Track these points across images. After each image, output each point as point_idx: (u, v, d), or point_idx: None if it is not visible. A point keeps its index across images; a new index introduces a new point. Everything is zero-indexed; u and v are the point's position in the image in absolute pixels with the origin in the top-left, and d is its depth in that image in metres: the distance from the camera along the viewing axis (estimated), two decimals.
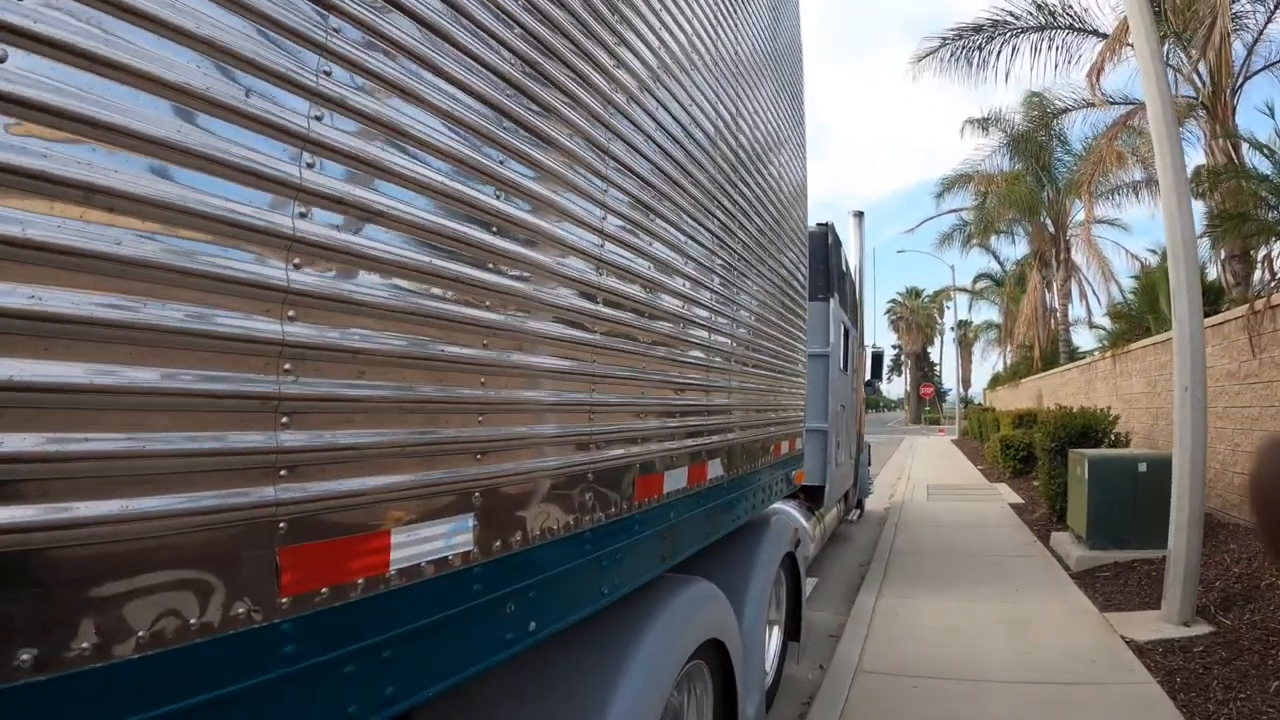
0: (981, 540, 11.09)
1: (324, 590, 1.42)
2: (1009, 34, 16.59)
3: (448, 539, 1.75)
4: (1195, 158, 14.19)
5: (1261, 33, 13.74)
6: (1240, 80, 13.91)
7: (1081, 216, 27.49)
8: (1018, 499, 15.27)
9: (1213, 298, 12.33)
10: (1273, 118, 10.59)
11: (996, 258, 42.35)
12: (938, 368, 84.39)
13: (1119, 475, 9.01)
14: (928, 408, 67.65)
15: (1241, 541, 8.53)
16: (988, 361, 61.55)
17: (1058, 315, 28.79)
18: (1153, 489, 8.60)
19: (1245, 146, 12.65)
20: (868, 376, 14.78)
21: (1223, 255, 13.38)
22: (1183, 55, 14.15)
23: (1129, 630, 6.62)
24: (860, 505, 13.87)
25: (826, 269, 8.77)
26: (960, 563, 9.69)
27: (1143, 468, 8.94)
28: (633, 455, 2.74)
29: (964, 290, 51.02)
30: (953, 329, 54.00)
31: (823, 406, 8.62)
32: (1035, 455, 14.94)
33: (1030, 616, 7.28)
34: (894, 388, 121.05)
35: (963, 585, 8.56)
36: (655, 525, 2.95)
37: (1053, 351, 28.52)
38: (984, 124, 25.80)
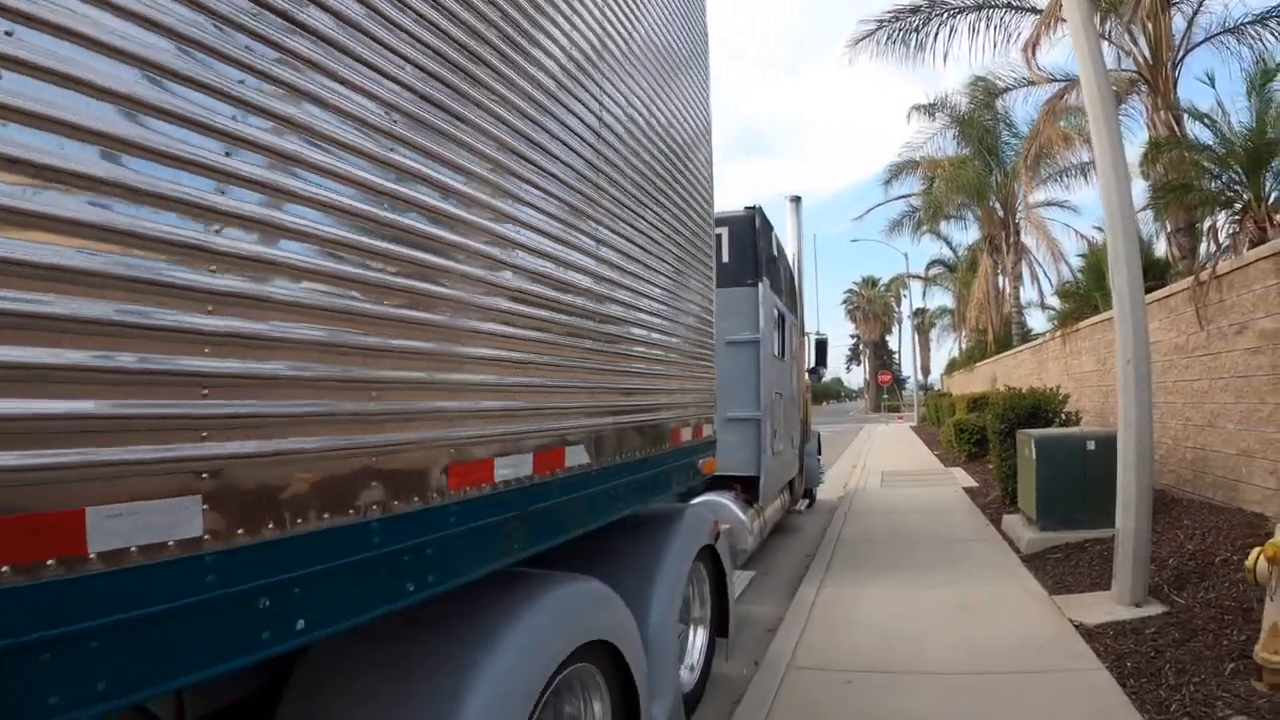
0: (933, 525, 10.84)
1: (5, 569, 1.29)
2: (946, 14, 16.39)
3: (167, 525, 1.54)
4: (1140, 134, 14.05)
5: (1201, 4, 13.64)
6: (1181, 53, 13.80)
7: (1031, 199, 27.57)
8: (972, 483, 15.09)
9: (1160, 272, 12.20)
10: (1213, 87, 10.43)
11: (948, 243, 42.53)
12: (896, 355, 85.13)
13: (1067, 454, 8.79)
14: (886, 395, 67.91)
15: (1196, 517, 8.33)
16: (945, 347, 62.04)
17: (1009, 298, 28.80)
18: (1101, 467, 8.37)
19: (1187, 118, 12.53)
20: (812, 364, 14.55)
21: (1168, 229, 13.26)
22: (1124, 33, 14.02)
23: (1079, 613, 6.35)
24: (810, 495, 13.64)
25: (755, 253, 8.48)
26: (909, 549, 9.42)
27: (1091, 446, 8.71)
28: (440, 439, 2.39)
29: (917, 277, 51.30)
30: (910, 317, 54.11)
31: (754, 394, 8.34)
32: (989, 438, 14.63)
33: (977, 602, 6.99)
34: (854, 377, 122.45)
35: (910, 572, 8.28)
36: (486, 516, 2.61)
37: (1006, 334, 28.50)
38: (930, 109, 25.69)
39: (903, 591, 7.52)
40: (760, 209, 8.77)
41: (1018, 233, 27.98)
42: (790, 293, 10.91)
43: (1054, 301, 24.46)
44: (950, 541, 9.72)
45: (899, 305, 70.46)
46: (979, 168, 26.29)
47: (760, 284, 8.45)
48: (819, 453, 14.64)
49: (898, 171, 28.37)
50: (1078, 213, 29.62)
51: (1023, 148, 22.38)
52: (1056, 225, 29.51)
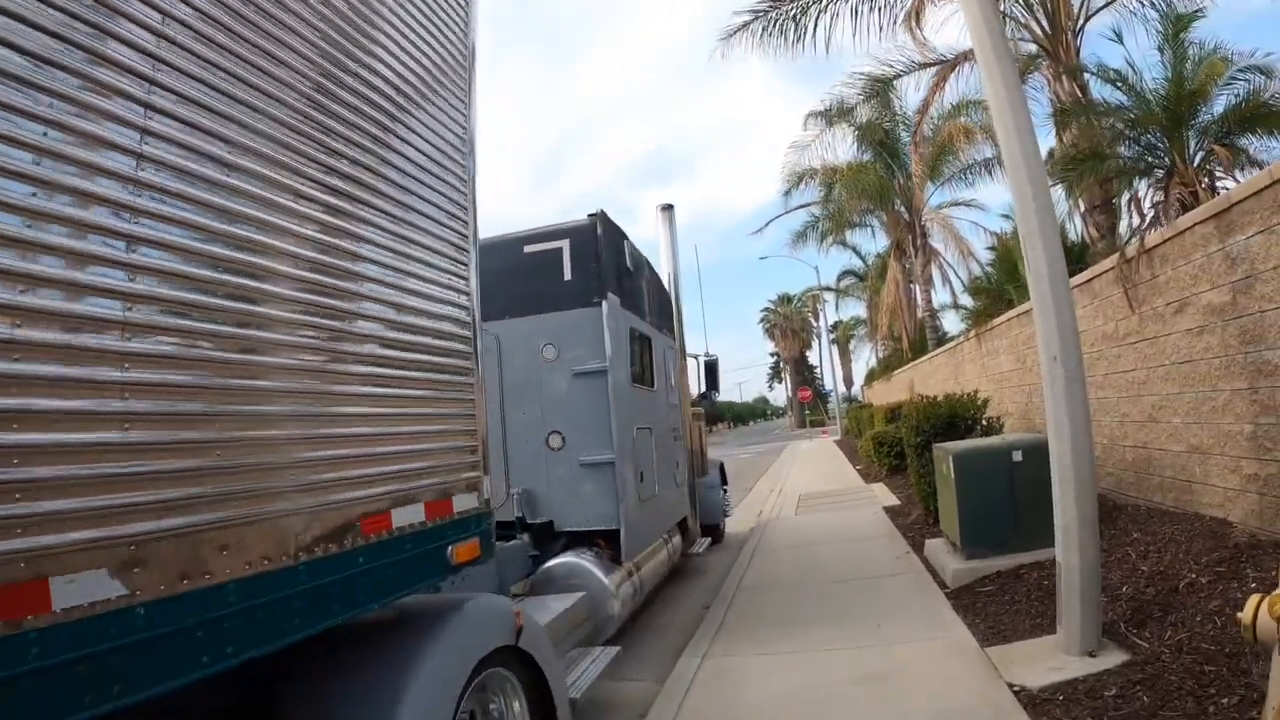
0: (848, 558, 9.49)
1: None
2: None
3: None
4: (1045, 116, 12.92)
5: None
6: (1082, 21, 12.80)
7: (935, 200, 26.78)
8: (894, 500, 13.86)
9: (1077, 256, 11.10)
10: (1121, 43, 9.35)
11: (858, 253, 41.97)
12: (817, 370, 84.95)
13: (990, 468, 7.52)
14: (807, 410, 67.32)
15: (1146, 528, 7.12)
16: (862, 359, 61.82)
17: (921, 302, 27.88)
18: (1032, 478, 7.24)
19: (1095, 82, 11.51)
20: (701, 389, 13.19)
21: (1081, 208, 12.17)
22: (1020, 7, 13.03)
23: (1019, 672, 5.05)
24: (715, 531, 12.34)
25: (599, 266, 7.17)
26: (818, 594, 8.03)
27: (1017, 456, 7.48)
28: None
29: (829, 289, 50.81)
30: (827, 331, 53.52)
31: (605, 433, 7.00)
32: (906, 452, 13.62)
33: (893, 665, 5.63)
34: (778, 395, 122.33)
35: (816, 626, 6.92)
36: None
37: (921, 340, 27.64)
38: (827, 115, 24.75)
39: (804, 657, 6.13)
40: (604, 214, 7.41)
41: (924, 235, 27.10)
42: (660, 311, 9.51)
43: (967, 300, 23.64)
44: (866, 577, 8.36)
45: (817, 320, 70.09)
46: (880, 171, 25.37)
47: (605, 302, 7.09)
48: (724, 483, 13.31)
49: (796, 180, 27.29)
50: (985, 210, 28.90)
51: (921, 141, 21.35)
52: (964, 225, 28.81)
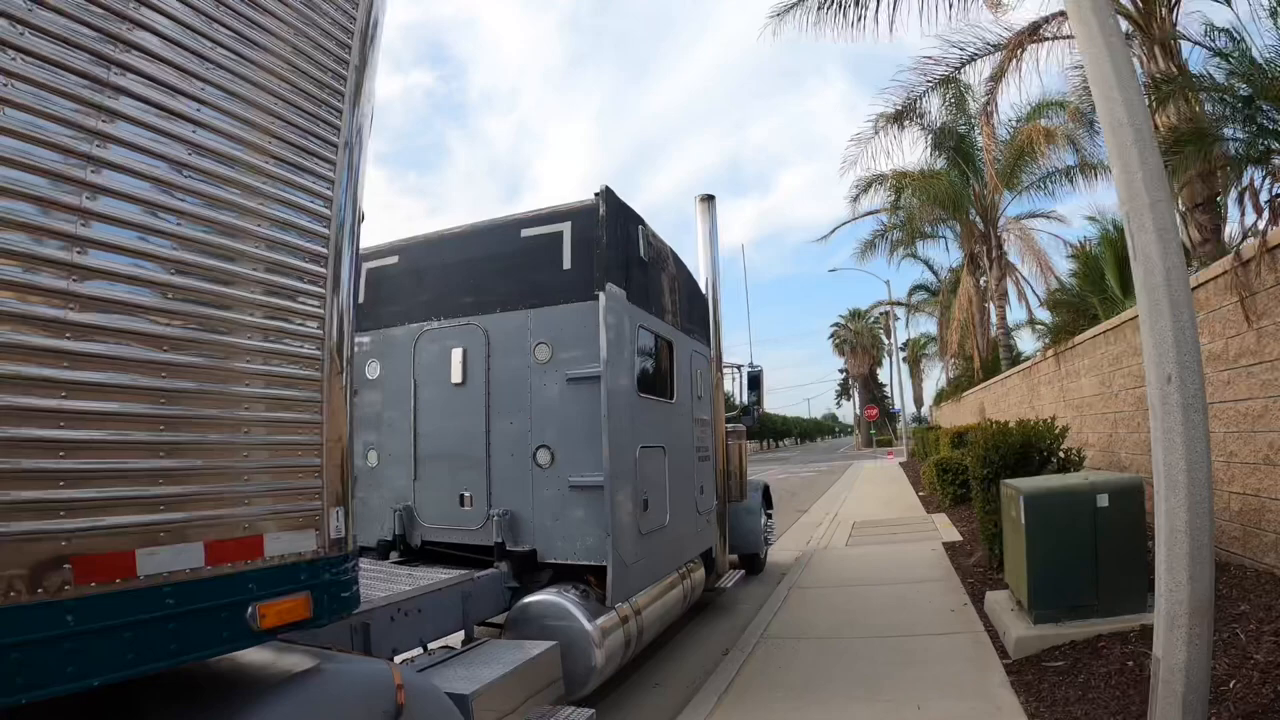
0: (896, 606, 8.14)
1: None
2: None
3: None
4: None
5: None
6: None
7: (1013, 210, 25.04)
8: (955, 535, 12.42)
9: None
10: (1229, 5, 7.84)
11: (930, 267, 40.18)
12: (887, 388, 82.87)
13: (1069, 514, 6.17)
14: (873, 430, 65.15)
15: (1258, 598, 5.73)
16: (932, 378, 59.70)
17: (994, 320, 26.10)
18: (1119, 528, 6.01)
19: (1195, 61, 10.00)
20: (744, 402, 11.87)
21: (1181, 207, 10.59)
22: None
23: None
24: (755, 562, 11.12)
25: (601, 252, 6.08)
26: (854, 652, 6.71)
27: (1102, 500, 6.11)
28: None
29: (900, 304, 48.76)
30: (899, 348, 51.33)
31: (593, 452, 5.89)
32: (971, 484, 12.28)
33: None
34: (845, 413, 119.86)
35: (844, 698, 5.65)
36: None
37: (994, 360, 25.91)
38: (898, 118, 23.28)
39: None
40: (609, 191, 6.27)
41: (1000, 246, 25.33)
42: (690, 314, 8.29)
43: (1044, 316, 21.97)
44: (912, 635, 7.01)
45: (889, 337, 68.02)
46: (953, 178, 23.76)
47: (603, 294, 5.94)
48: (768, 507, 12.02)
49: (866, 185, 25.71)
50: (1065, 223, 26.95)
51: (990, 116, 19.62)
52: (1043, 238, 26.96)
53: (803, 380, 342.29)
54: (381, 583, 5.46)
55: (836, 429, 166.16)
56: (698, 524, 8.13)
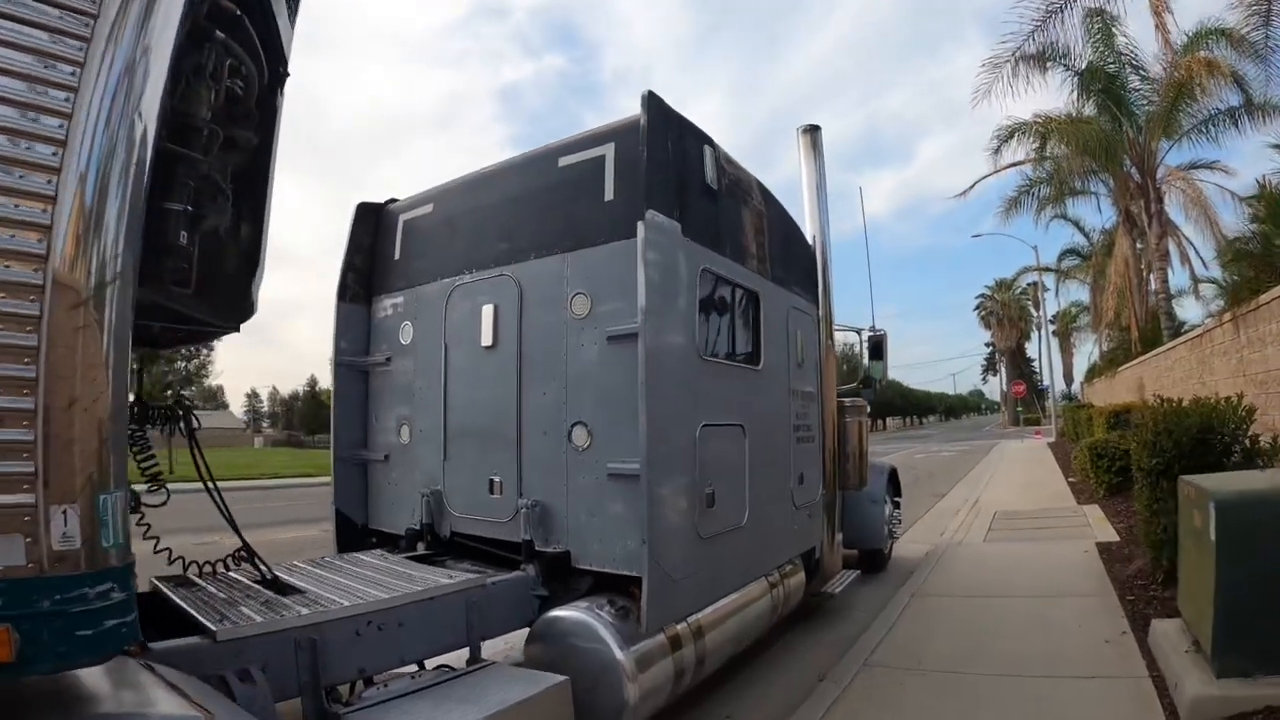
0: (1035, 629, 6.56)
1: None
2: None
3: None
4: None
5: None
6: None
7: (1171, 160, 22.17)
8: (1110, 533, 10.59)
9: None
10: None
11: (1080, 228, 36.83)
12: (1035, 363, 79.00)
13: (1277, 528, 4.50)
14: (1020, 407, 61.70)
15: None
16: (1084, 352, 55.80)
17: (1154, 284, 23.28)
18: None
19: None
20: (863, 374, 10.19)
21: None
22: None
23: None
24: (877, 559, 9.76)
25: (645, 173, 4.67)
26: (975, 695, 5.21)
27: None
28: None
29: (1048, 269, 45.12)
30: (1047, 320, 47.73)
31: (626, 432, 4.60)
32: (1134, 474, 10.59)
33: None
34: (991, 389, 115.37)
35: None
36: None
37: (1154, 330, 23.23)
38: (1040, 60, 20.96)
39: None
40: (653, 96, 4.85)
41: (1159, 200, 22.39)
42: (786, 262, 6.82)
43: (1208, 284, 19.43)
44: (1053, 679, 5.39)
45: (1037, 309, 64.22)
46: (1106, 124, 21.18)
47: (641, 224, 4.56)
48: (895, 494, 10.52)
49: (1008, 135, 23.21)
50: (1232, 174, 23.73)
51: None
52: (1208, 190, 23.87)
53: (949, 354, 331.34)
54: (387, 581, 4.51)
55: (983, 405, 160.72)
56: (794, 520, 6.74)
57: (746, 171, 6.10)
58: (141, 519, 3.45)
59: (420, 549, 5.83)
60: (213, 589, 4.20)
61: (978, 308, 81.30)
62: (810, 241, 7.70)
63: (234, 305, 4.10)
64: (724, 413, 5.35)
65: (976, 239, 75.13)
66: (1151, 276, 23.72)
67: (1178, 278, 26.49)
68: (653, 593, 4.36)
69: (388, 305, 6.54)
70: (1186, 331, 18.69)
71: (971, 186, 27.88)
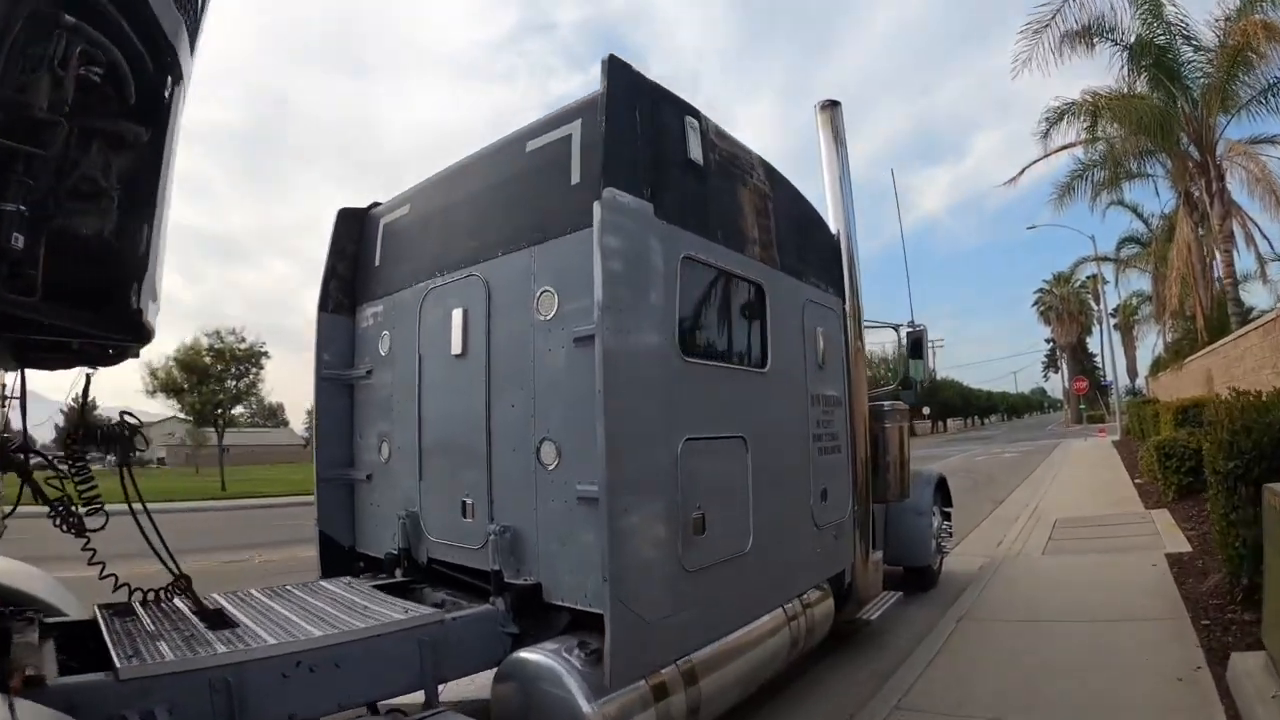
0: (1097, 663, 5.70)
1: None
2: None
3: None
4: None
5: None
6: None
7: (1231, 135, 20.84)
8: (1182, 542, 9.59)
9: None
10: None
11: (1138, 214, 35.50)
12: (1097, 358, 76.96)
13: None
14: (1083, 404, 59.88)
15: None
16: (1147, 345, 54.05)
17: (1221, 267, 21.90)
18: None
19: None
20: (903, 373, 9.26)
21: None
22: None
23: None
24: (925, 576, 8.91)
25: (604, 145, 4.01)
26: None
27: None
28: None
29: (1107, 259, 43.47)
30: (1111, 313, 45.99)
31: (586, 447, 4.02)
32: (1208, 477, 9.82)
33: None
34: (1053, 386, 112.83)
35: None
36: None
37: (1221, 317, 21.91)
38: (1087, 36, 19.92)
39: None
40: (616, 61, 4.18)
41: (1221, 178, 21.07)
42: (798, 250, 6.08)
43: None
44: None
45: (1096, 303, 62.18)
46: (1158, 100, 20.03)
47: (598, 204, 3.90)
48: (945, 504, 9.69)
49: (1057, 118, 22.05)
50: None
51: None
52: (1273, 165, 22.44)
53: (1009, 352, 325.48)
54: (339, 615, 4.10)
55: (1045, 404, 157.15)
56: (817, 542, 5.98)
57: (746, 147, 5.36)
58: (87, 544, 3.43)
59: (400, 574, 5.38)
60: (148, 619, 3.90)
61: (1036, 303, 79.37)
62: (834, 232, 6.94)
63: (114, 316, 3.55)
64: (718, 423, 4.65)
65: (1031, 230, 72.54)
66: (1216, 261, 22.40)
67: (1243, 261, 25.16)
68: (617, 640, 3.68)
69: (369, 314, 6.11)
70: (1255, 318, 17.51)
71: (1021, 172, 26.68)
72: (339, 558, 6.02)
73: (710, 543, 4.39)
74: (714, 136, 4.88)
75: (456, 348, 4.96)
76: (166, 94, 3.51)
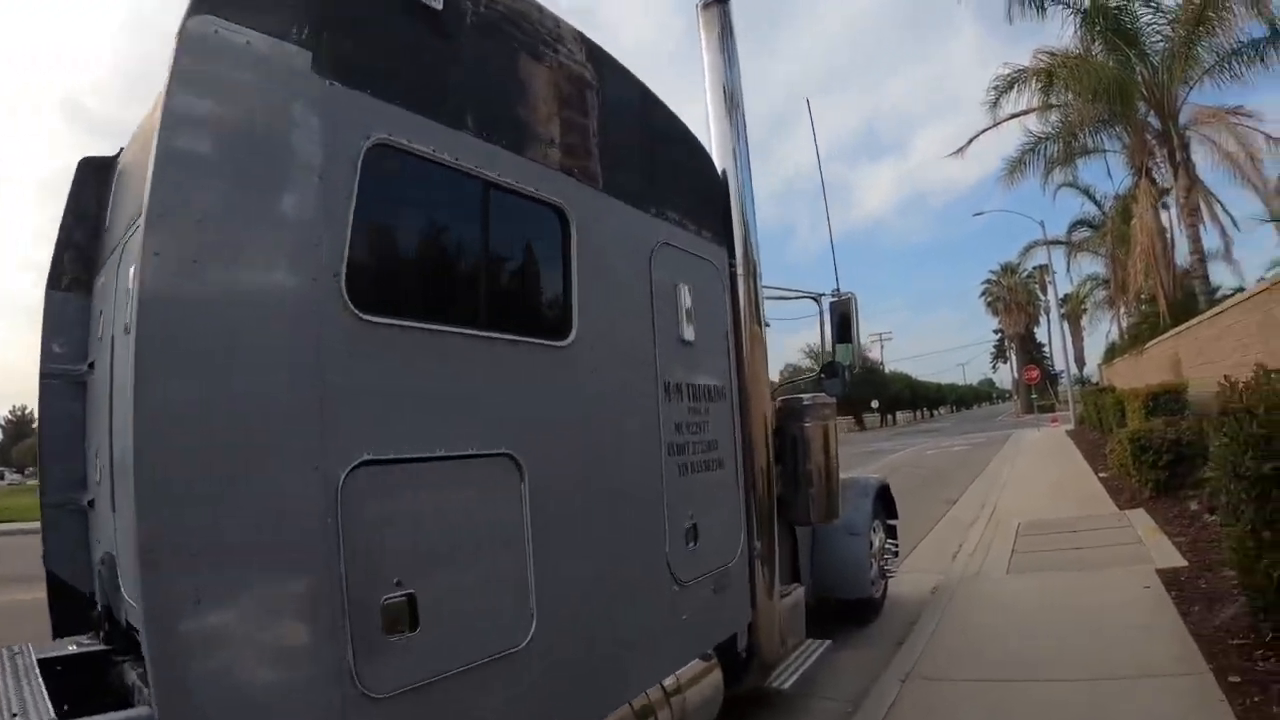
0: None
1: None
2: None
3: None
4: None
5: None
6: None
7: (1195, 98, 19.62)
8: (1174, 555, 7.82)
9: None
10: None
11: (1091, 196, 34.51)
12: (1045, 348, 77.59)
13: None
14: (1034, 394, 59.74)
15: None
16: (1099, 332, 53.56)
17: (1187, 243, 20.59)
18: None
19: None
20: (833, 354, 7.23)
21: None
22: None
23: None
24: (865, 609, 7.17)
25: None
26: None
27: None
28: None
29: (1059, 242, 42.48)
30: (1061, 302, 45.11)
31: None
32: (1190, 456, 9.98)
33: None
34: (1002, 377, 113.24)
35: None
36: None
37: (1186, 300, 20.61)
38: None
39: None
40: None
41: (1185, 148, 19.79)
42: (648, 172, 4.21)
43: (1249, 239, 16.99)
44: None
45: (1044, 293, 61.67)
46: (1117, 63, 18.71)
47: (177, 39, 2.13)
48: (889, 518, 7.96)
49: (1008, 85, 20.70)
50: (1259, 120, 21.18)
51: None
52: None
53: (955, 344, 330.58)
54: None
55: (993, 395, 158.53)
56: (683, 605, 4.06)
57: (549, 11, 3.50)
58: None
59: (103, 639, 3.68)
60: None
61: (984, 294, 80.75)
62: (719, 166, 5.09)
63: None
64: (443, 432, 2.72)
65: (979, 217, 71.87)
66: (1180, 238, 21.10)
67: (1208, 239, 24.05)
68: None
69: (99, 289, 4.22)
70: (1222, 299, 16.19)
71: (969, 142, 25.23)
72: (76, 607, 4.07)
73: (430, 642, 2.50)
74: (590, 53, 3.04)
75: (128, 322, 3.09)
76: None
